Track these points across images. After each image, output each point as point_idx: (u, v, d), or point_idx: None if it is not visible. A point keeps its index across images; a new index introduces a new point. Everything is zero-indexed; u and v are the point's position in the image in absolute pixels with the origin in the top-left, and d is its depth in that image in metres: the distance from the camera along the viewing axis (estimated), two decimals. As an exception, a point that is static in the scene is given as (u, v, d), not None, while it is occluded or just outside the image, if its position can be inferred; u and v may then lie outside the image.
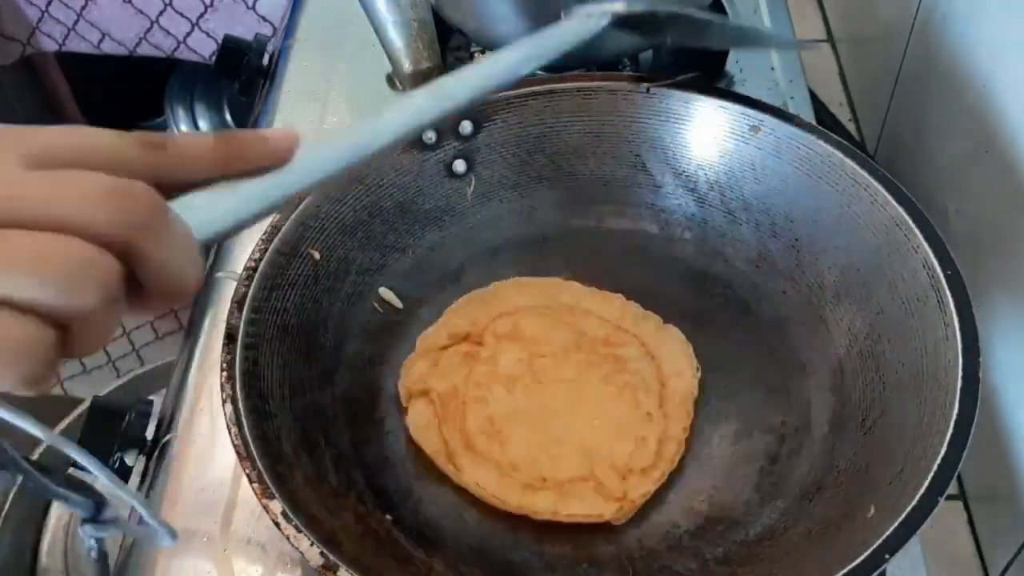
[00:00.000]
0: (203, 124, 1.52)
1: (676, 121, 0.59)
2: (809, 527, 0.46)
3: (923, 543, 0.53)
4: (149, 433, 0.57)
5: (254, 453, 0.44)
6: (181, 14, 1.24)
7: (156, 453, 0.57)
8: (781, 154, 0.56)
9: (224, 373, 0.47)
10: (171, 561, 0.51)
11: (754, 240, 0.58)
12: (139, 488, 0.57)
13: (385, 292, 0.56)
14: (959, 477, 0.65)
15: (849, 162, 0.53)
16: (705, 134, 0.58)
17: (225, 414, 0.45)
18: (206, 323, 0.62)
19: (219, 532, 0.52)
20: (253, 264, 0.51)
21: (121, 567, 0.53)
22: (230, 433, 0.45)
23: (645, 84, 0.58)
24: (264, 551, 0.51)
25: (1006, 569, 0.58)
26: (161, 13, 1.25)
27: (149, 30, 1.25)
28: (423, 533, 0.48)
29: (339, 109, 0.74)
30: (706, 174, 0.59)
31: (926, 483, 0.41)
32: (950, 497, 0.64)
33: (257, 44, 0.81)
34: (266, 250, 0.52)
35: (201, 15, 1.23)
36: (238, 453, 0.44)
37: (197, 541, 0.52)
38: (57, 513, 1.01)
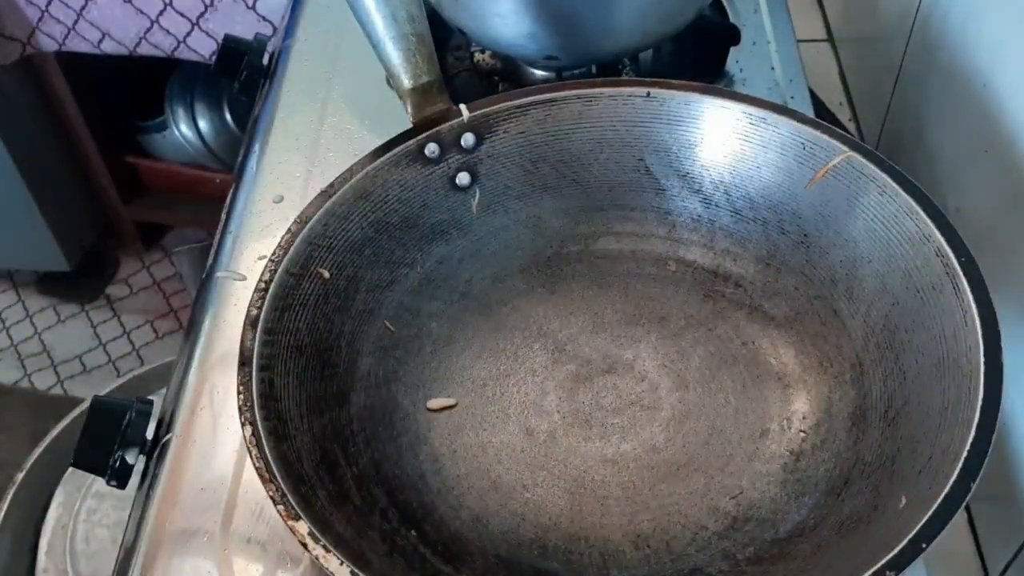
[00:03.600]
0: (203, 124, 1.52)
1: (678, 123, 0.59)
2: (839, 521, 0.46)
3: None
4: (149, 433, 0.57)
5: (277, 475, 0.43)
6: (181, 14, 1.25)
7: (156, 453, 0.56)
8: (785, 151, 0.56)
9: (241, 396, 0.46)
10: (171, 561, 0.51)
11: (763, 238, 0.58)
12: (139, 488, 0.56)
13: (433, 402, 0.56)
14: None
15: (855, 155, 0.53)
16: (708, 135, 0.58)
17: (244, 437, 0.45)
18: (206, 323, 0.61)
19: (219, 532, 0.52)
20: (264, 285, 0.51)
21: (121, 567, 0.52)
22: (251, 455, 0.44)
23: (646, 88, 0.58)
24: (264, 550, 0.51)
25: (1006, 569, 0.58)
26: (161, 13, 1.25)
27: (149, 30, 1.25)
28: (449, 548, 0.48)
29: (339, 109, 0.74)
30: (710, 174, 0.59)
31: (957, 470, 0.40)
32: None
33: (257, 44, 0.80)
34: (275, 271, 0.51)
35: (201, 15, 1.23)
36: (260, 476, 0.43)
37: (197, 541, 0.52)
38: (56, 513, 1.01)
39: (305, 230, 0.53)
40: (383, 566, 0.43)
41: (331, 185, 0.55)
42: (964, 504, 0.39)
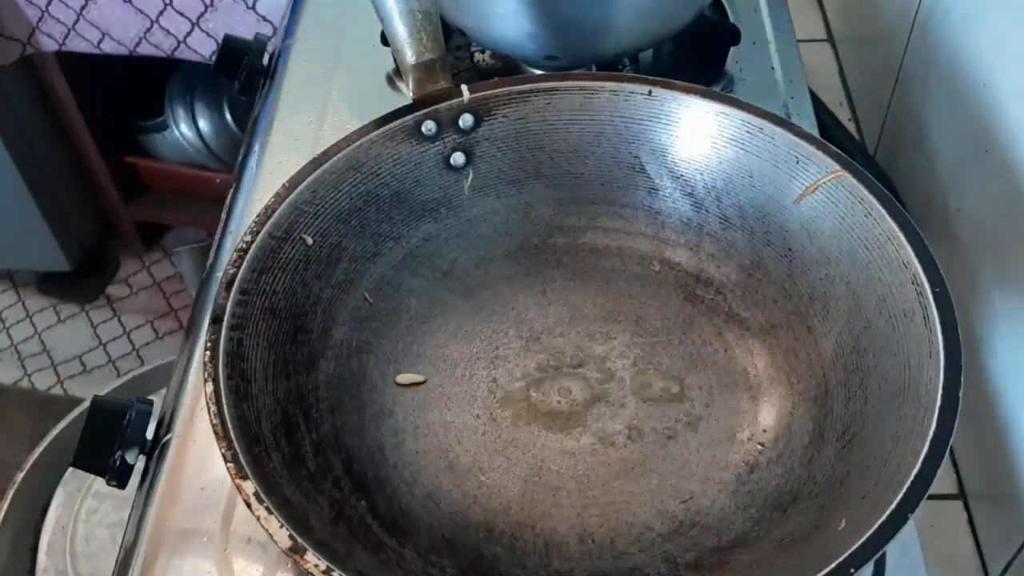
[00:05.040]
0: (203, 124, 1.53)
1: (676, 125, 0.58)
2: (781, 537, 0.46)
3: (923, 543, 0.52)
4: (149, 433, 0.57)
5: (231, 433, 0.44)
6: (181, 14, 1.25)
7: (156, 453, 0.57)
8: (779, 163, 0.56)
9: (207, 353, 0.47)
10: (171, 561, 0.52)
11: (748, 247, 0.58)
12: (139, 488, 0.57)
13: (403, 376, 0.56)
14: (959, 477, 0.65)
15: (846, 175, 0.53)
16: (705, 139, 0.58)
17: (205, 394, 0.46)
18: (206, 323, 0.62)
19: (219, 532, 0.52)
20: (244, 246, 0.51)
21: (121, 567, 0.53)
22: (208, 412, 0.45)
23: (648, 86, 0.58)
24: (264, 551, 0.51)
25: (1006, 569, 0.58)
26: (161, 13, 1.26)
27: (149, 30, 1.26)
28: (396, 522, 0.49)
29: (339, 109, 0.74)
30: (704, 179, 0.59)
31: (897, 500, 0.40)
32: (950, 497, 0.64)
33: (257, 44, 0.80)
34: (258, 232, 0.52)
35: (201, 15, 1.24)
36: (215, 433, 0.44)
37: (197, 541, 0.52)
38: (56, 514, 1.01)
39: (293, 195, 0.54)
40: (325, 533, 0.44)
41: (324, 153, 0.56)
42: (896, 535, 0.40)
